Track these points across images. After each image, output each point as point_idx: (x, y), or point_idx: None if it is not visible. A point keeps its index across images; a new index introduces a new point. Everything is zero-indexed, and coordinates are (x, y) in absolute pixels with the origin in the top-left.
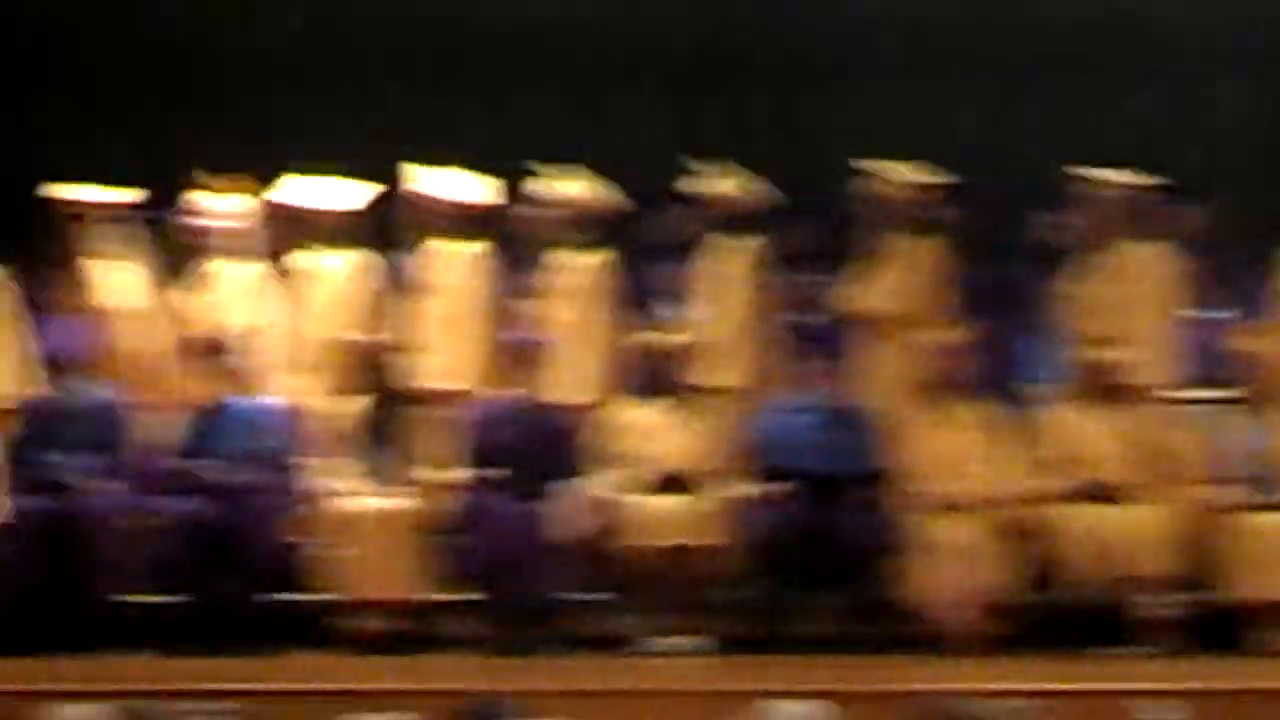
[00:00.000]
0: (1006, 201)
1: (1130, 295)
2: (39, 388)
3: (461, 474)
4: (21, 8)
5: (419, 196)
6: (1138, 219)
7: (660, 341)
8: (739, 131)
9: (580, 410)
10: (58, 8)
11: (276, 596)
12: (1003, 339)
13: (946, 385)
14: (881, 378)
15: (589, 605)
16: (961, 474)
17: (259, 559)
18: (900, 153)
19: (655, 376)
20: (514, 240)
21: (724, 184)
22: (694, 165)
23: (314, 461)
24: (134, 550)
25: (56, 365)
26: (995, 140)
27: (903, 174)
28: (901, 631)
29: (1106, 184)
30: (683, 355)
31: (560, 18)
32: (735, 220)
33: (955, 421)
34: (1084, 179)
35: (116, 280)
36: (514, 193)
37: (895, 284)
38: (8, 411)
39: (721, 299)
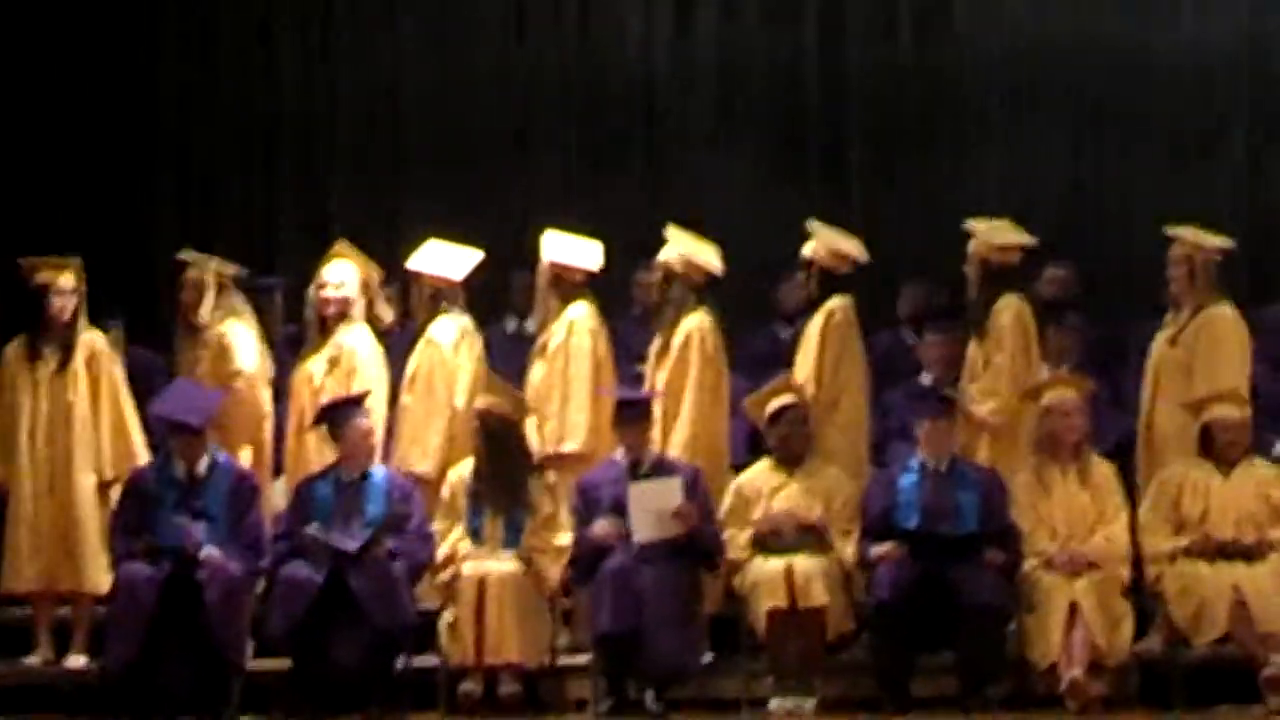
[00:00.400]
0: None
1: (1227, 354)
2: (137, 459)
3: (580, 536)
4: (138, 89)
5: (546, 263)
6: (1220, 281)
7: (772, 403)
8: (842, 195)
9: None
10: (169, 89)
11: (401, 662)
12: (1121, 396)
13: (1063, 443)
14: (998, 437)
15: (708, 666)
16: (1079, 532)
17: (382, 625)
18: (1004, 212)
19: (770, 439)
20: (627, 304)
21: (834, 246)
22: (809, 228)
23: (434, 527)
24: (256, 616)
25: (177, 430)
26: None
27: (998, 234)
28: (1020, 690)
29: (1198, 245)
30: (796, 417)
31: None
32: (841, 283)
33: (1073, 480)
34: (1179, 239)
35: (238, 347)
36: (618, 257)
37: (998, 354)
38: (108, 483)
39: (829, 361)
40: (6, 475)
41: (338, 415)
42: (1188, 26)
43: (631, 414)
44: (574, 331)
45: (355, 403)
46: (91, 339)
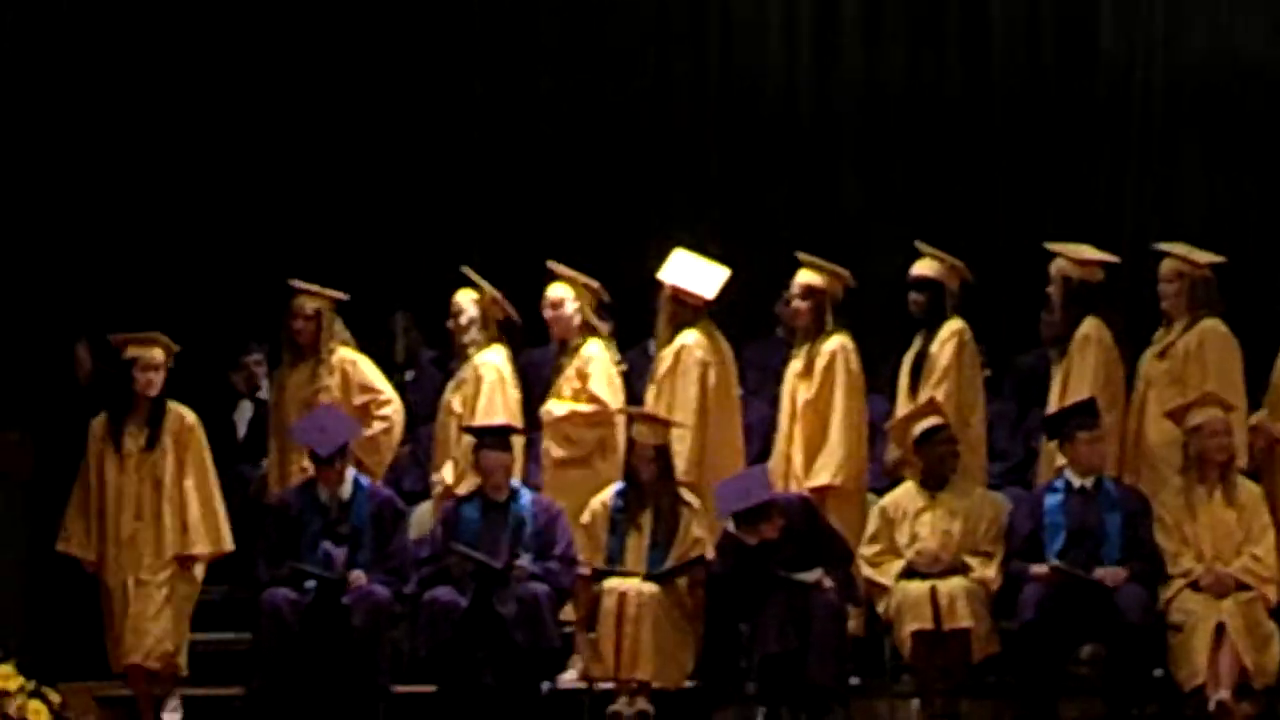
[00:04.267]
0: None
1: (1220, 368)
2: (224, 538)
3: (715, 577)
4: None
5: (670, 287)
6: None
7: (920, 425)
8: (986, 216)
9: (830, 494)
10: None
11: (546, 685)
12: None
13: (1211, 463)
14: (1139, 457)
15: (853, 689)
16: (1225, 553)
17: (527, 647)
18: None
19: (916, 462)
20: (769, 326)
21: (948, 263)
22: (920, 248)
23: (578, 549)
24: (401, 640)
25: (316, 455)
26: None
27: (1080, 253)
28: (1167, 712)
29: (1190, 261)
30: (944, 438)
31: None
32: (958, 302)
33: (1219, 500)
34: (1171, 255)
35: (372, 375)
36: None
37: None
38: (193, 559)
39: (964, 381)
40: (97, 555)
41: (481, 438)
42: None
43: (752, 520)
44: (680, 359)
45: (492, 432)
46: (180, 414)
